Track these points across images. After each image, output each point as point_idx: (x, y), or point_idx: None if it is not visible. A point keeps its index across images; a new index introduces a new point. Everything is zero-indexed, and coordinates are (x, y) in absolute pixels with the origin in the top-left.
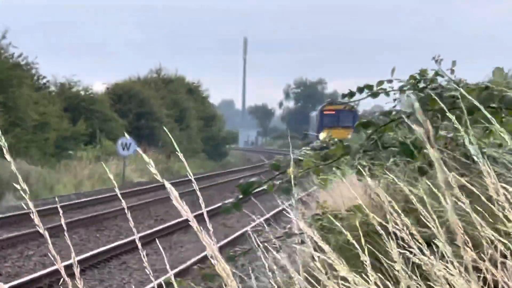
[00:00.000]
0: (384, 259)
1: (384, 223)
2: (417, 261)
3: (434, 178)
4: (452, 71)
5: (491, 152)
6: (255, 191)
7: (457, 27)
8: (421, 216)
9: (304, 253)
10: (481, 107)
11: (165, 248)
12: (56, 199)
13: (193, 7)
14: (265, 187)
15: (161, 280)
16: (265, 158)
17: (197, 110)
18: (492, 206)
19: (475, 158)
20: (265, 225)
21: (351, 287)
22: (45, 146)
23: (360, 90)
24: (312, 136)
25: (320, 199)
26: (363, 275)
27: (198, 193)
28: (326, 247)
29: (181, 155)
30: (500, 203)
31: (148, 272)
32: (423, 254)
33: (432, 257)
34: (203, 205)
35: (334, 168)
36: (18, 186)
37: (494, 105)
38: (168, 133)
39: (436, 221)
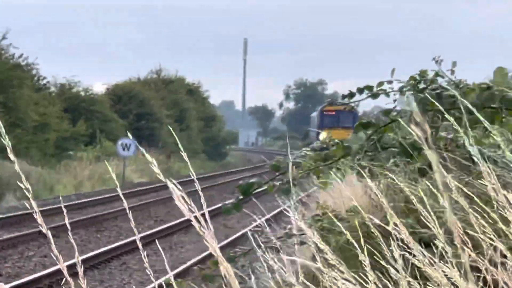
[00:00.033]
0: (381, 259)
1: (382, 224)
2: (416, 262)
3: (434, 179)
4: (452, 72)
5: (491, 153)
6: (255, 191)
7: (457, 27)
8: (421, 217)
9: (304, 253)
10: (474, 110)
11: (165, 248)
12: (60, 198)
13: (193, 7)
14: (265, 187)
15: (161, 280)
16: (266, 158)
17: (197, 110)
18: (491, 207)
19: (475, 159)
20: (265, 224)
21: (350, 287)
22: (45, 147)
23: (360, 91)
24: (312, 136)
25: (320, 199)
26: (361, 275)
27: (200, 193)
28: (325, 248)
29: (184, 155)
30: (500, 203)
31: (148, 273)
32: (423, 255)
33: (431, 257)
34: (204, 206)
35: (334, 169)
36: (22, 185)
37: (494, 105)
38: (173, 132)
39: (436, 221)
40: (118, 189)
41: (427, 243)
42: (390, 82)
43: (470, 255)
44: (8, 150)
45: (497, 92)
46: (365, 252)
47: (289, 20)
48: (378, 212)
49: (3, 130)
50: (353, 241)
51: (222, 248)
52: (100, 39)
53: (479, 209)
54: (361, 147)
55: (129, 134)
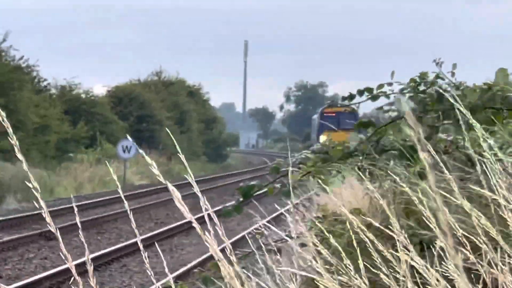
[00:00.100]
0: (380, 260)
1: (381, 227)
2: (415, 264)
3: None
4: (453, 74)
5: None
6: (256, 194)
7: (457, 27)
8: (423, 217)
9: (304, 256)
10: (470, 116)
11: (166, 250)
12: (72, 198)
13: (193, 8)
14: (265, 189)
15: (161, 283)
16: (267, 160)
17: (198, 112)
18: (491, 208)
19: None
20: (266, 227)
21: None
22: (46, 149)
23: (360, 92)
24: (313, 138)
25: (320, 202)
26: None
27: (199, 194)
28: (323, 251)
29: (182, 157)
30: (500, 203)
31: (149, 274)
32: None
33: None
34: (205, 207)
35: (334, 171)
36: (30, 185)
37: (495, 106)
38: (171, 134)
39: (436, 223)
40: (120, 191)
41: (428, 245)
42: (390, 84)
43: (469, 258)
44: (16, 149)
45: (499, 93)
46: (360, 258)
47: (289, 21)
48: (379, 214)
49: (11, 130)
50: (355, 243)
51: (222, 251)
52: (100, 40)
53: (477, 210)
54: (361, 148)
55: (128, 137)
